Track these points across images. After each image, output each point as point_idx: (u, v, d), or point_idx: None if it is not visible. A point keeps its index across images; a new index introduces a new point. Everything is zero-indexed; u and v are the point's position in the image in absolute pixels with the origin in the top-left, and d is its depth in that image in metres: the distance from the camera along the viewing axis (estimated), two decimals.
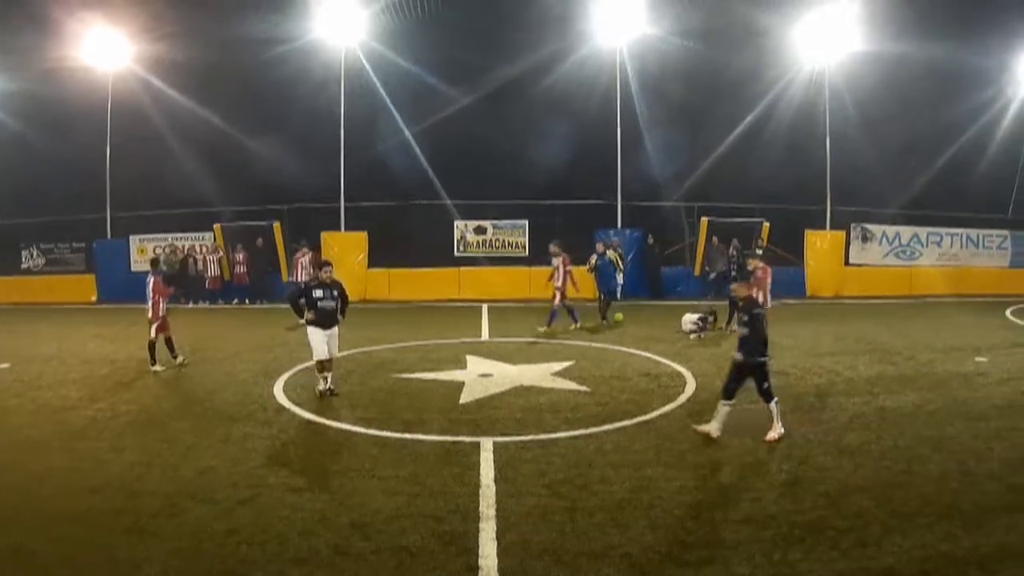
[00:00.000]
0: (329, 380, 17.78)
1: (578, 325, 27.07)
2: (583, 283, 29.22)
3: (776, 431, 13.96)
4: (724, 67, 40.55)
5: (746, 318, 14.20)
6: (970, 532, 9.87)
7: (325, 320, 17.63)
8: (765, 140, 41.91)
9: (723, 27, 39.33)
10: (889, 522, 10.24)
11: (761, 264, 21.55)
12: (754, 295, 20.53)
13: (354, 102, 39.68)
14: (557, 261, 27.34)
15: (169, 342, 21.23)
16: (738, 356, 14.07)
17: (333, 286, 17.90)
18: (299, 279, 30.96)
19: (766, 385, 14.11)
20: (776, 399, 14.14)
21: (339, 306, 18.06)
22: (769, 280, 21.28)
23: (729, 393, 14.08)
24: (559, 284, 27.14)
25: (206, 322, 30.73)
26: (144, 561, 9.22)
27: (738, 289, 15.62)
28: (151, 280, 21.13)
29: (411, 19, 38.91)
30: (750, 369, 14.03)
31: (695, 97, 42.19)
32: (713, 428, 14.05)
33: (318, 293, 17.67)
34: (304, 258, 32.01)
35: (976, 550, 9.39)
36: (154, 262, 23.81)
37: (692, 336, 25.44)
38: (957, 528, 10.00)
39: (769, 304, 21.31)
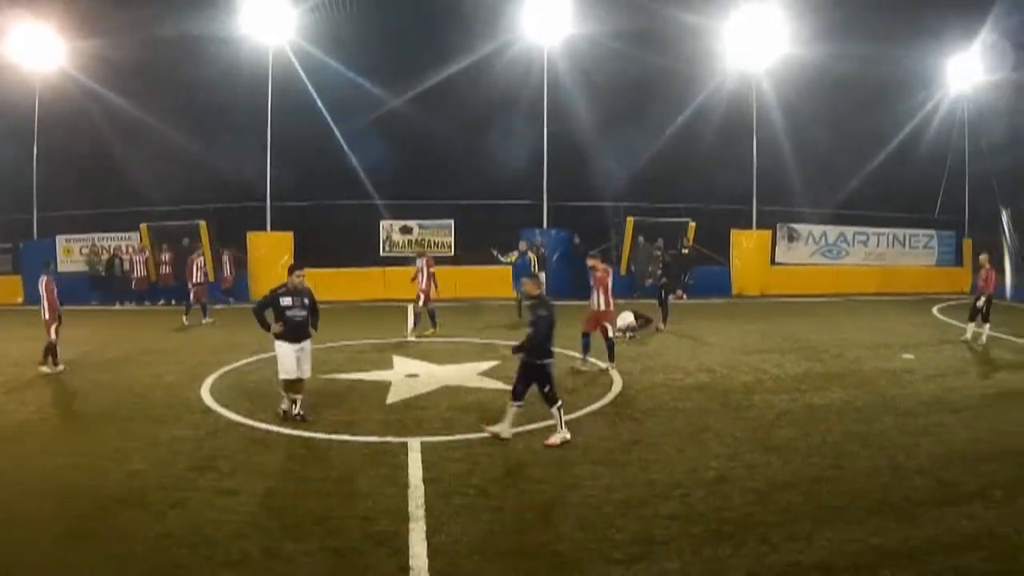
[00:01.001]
0: (299, 403, 15.62)
1: (435, 330, 26.40)
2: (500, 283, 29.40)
3: (559, 436, 13.75)
4: (653, 69, 40.64)
5: (532, 318, 14.07)
6: (900, 525, 9.97)
7: (295, 332, 15.47)
8: (693, 141, 42.09)
9: (652, 29, 39.43)
10: (819, 517, 10.32)
11: (603, 265, 21.25)
12: (599, 296, 20.39)
13: (282, 101, 39.30)
14: (421, 262, 26.98)
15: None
16: (524, 357, 14.07)
17: (303, 293, 15.73)
18: (195, 281, 30.05)
19: (548, 388, 13.85)
20: (560, 403, 13.96)
21: (310, 317, 15.93)
22: (610, 280, 20.91)
23: (517, 395, 14.01)
24: (423, 286, 26.76)
25: (133, 323, 30.29)
26: (76, 566, 9.10)
27: (528, 286, 15.24)
28: (43, 280, 20.82)
29: (340, 18, 38.69)
30: (534, 370, 13.92)
31: (623, 98, 42.32)
32: (503, 429, 14.02)
33: (286, 301, 15.48)
34: (200, 259, 30.65)
35: (906, 542, 9.47)
36: (46, 263, 23.46)
37: (627, 335, 25.38)
38: (888, 522, 10.09)
39: (611, 306, 20.96)
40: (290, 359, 15.36)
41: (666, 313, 27.39)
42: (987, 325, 24.68)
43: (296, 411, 15.50)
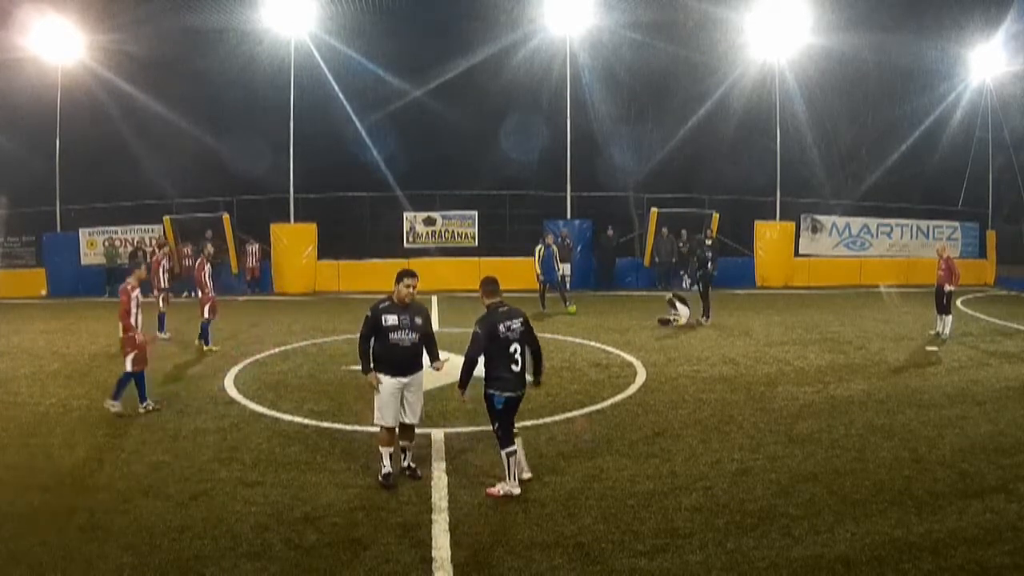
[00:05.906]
0: (409, 455, 11.81)
1: (210, 347, 22.51)
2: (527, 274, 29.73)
3: (504, 486, 10.99)
4: (676, 60, 40.71)
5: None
6: (923, 518, 9.93)
7: (400, 362, 11.50)
8: (715, 132, 42.08)
9: (675, 20, 39.42)
10: (841, 509, 10.29)
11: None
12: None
13: (303, 93, 39.27)
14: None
15: None
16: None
17: (415, 311, 11.65)
18: (162, 285, 25.43)
19: (495, 425, 11.38)
20: (512, 449, 11.13)
21: (426, 343, 11.95)
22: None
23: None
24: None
25: (155, 315, 30.33)
26: (98, 558, 9.06)
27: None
28: None
29: (362, 10, 38.66)
30: (487, 401, 11.48)
31: (647, 89, 42.37)
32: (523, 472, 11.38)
33: (391, 319, 11.41)
34: (165, 260, 26.19)
35: (929, 535, 9.44)
36: None
37: (675, 325, 25.48)
38: (910, 514, 10.07)
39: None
40: (391, 400, 11.44)
41: (707, 306, 27.36)
42: (948, 318, 24.34)
43: (405, 463, 11.74)
